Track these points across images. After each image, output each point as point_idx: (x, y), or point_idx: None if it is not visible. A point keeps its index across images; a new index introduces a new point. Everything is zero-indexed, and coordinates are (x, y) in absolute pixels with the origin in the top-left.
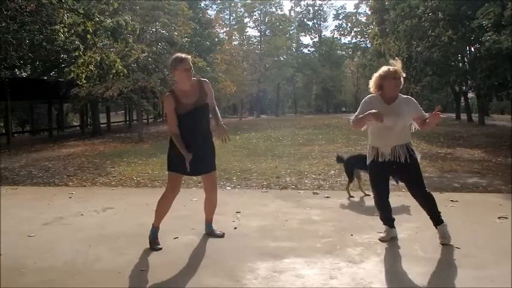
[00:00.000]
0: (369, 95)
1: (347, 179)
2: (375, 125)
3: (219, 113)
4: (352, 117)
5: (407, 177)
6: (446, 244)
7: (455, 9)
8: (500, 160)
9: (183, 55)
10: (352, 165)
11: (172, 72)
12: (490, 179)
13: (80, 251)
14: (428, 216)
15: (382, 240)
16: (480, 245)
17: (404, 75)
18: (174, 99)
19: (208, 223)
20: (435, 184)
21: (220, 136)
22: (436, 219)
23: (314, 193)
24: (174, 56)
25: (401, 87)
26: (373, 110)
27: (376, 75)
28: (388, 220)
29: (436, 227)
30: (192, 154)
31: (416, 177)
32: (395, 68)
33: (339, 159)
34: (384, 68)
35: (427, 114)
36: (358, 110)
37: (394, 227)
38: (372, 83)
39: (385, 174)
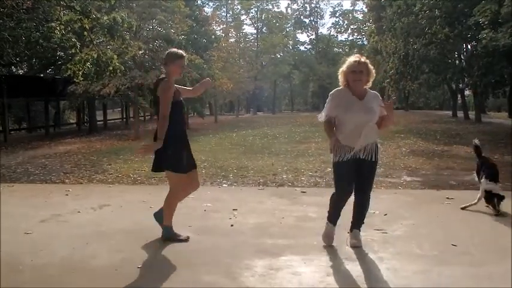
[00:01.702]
0: (336, 88)
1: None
2: (346, 121)
3: None
4: (321, 115)
5: (365, 175)
6: (357, 247)
7: (452, 6)
8: (497, 158)
9: (183, 52)
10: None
11: (168, 64)
12: None
13: (76, 248)
14: (352, 218)
15: (326, 240)
16: (477, 243)
17: (371, 68)
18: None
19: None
20: (431, 182)
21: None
22: (359, 223)
23: (302, 192)
24: (173, 50)
25: (365, 80)
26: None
27: (340, 70)
28: (335, 219)
29: (352, 230)
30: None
31: (372, 177)
32: (356, 59)
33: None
34: (346, 62)
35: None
36: (327, 106)
37: (335, 225)
38: (339, 78)
39: (353, 173)
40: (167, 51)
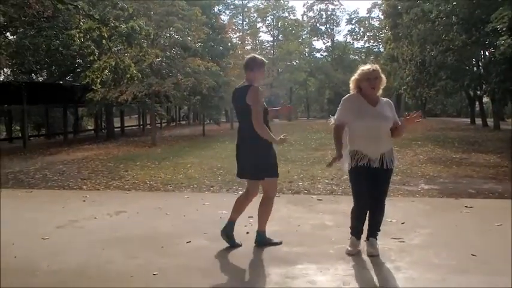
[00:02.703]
0: (348, 94)
1: None
2: (359, 127)
3: None
4: (333, 119)
5: (380, 183)
6: (374, 256)
7: (469, 13)
8: None
9: (263, 59)
10: None
11: (254, 71)
12: (505, 184)
13: (92, 254)
14: (368, 226)
15: (349, 254)
16: (496, 252)
17: (383, 76)
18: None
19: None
20: (449, 190)
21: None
22: (375, 232)
23: (318, 200)
24: (258, 57)
25: (380, 86)
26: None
27: (352, 78)
28: (358, 231)
29: (368, 239)
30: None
31: (387, 186)
32: (370, 67)
33: None
34: (359, 70)
35: (399, 121)
36: (339, 110)
37: (360, 239)
38: (351, 86)
39: (368, 179)
40: (252, 57)
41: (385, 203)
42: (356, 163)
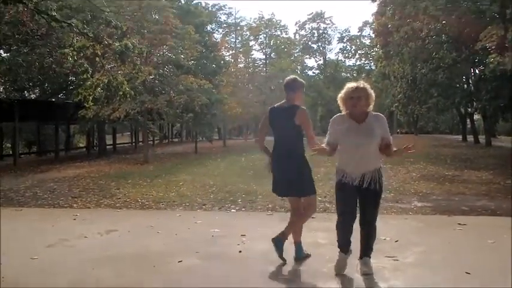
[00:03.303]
0: (337, 114)
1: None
2: (345, 145)
3: None
4: (325, 143)
5: (367, 205)
6: (368, 274)
7: (459, 31)
8: (508, 182)
9: (303, 81)
10: None
11: (296, 92)
12: (498, 201)
13: (83, 273)
14: (360, 246)
15: (337, 273)
16: (490, 270)
17: (371, 92)
18: None
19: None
20: (442, 207)
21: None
22: (367, 251)
23: (311, 217)
24: (298, 80)
25: (366, 103)
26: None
27: (338, 96)
28: (344, 243)
29: (362, 258)
30: None
31: (375, 207)
32: (353, 85)
33: None
34: (344, 88)
35: (391, 138)
36: (328, 133)
37: (349, 253)
38: (340, 104)
39: (351, 197)
40: (293, 78)
41: (376, 224)
42: (339, 179)
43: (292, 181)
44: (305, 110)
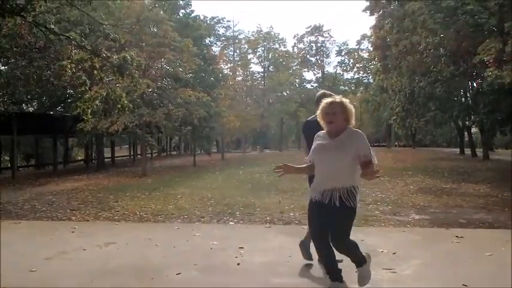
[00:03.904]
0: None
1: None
2: (315, 161)
3: None
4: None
5: (334, 222)
6: (365, 283)
7: (457, 45)
8: (506, 195)
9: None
10: None
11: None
12: (496, 214)
13: (81, 286)
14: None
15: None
16: (487, 282)
17: (349, 106)
18: None
19: None
20: (440, 220)
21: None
22: (356, 263)
23: None
24: (326, 93)
25: (342, 118)
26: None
27: (318, 112)
28: (323, 260)
29: (357, 269)
30: None
31: (341, 224)
32: (329, 101)
33: None
34: (321, 104)
35: (373, 156)
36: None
37: (339, 281)
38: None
39: (321, 215)
40: (322, 93)
41: (346, 243)
42: (310, 198)
43: None
44: None
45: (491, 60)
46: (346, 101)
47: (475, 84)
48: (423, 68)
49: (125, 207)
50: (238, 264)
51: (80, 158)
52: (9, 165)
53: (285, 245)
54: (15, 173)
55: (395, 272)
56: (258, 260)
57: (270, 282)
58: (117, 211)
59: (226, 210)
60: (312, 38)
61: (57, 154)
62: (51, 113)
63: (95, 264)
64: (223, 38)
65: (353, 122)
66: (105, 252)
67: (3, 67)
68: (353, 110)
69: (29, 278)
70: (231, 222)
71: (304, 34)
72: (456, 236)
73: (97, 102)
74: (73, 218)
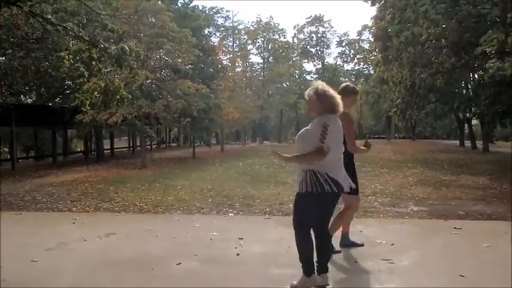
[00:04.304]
0: None
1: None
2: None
3: None
4: None
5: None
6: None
7: (458, 36)
8: (505, 187)
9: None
10: None
11: (343, 97)
12: (495, 206)
13: (82, 276)
14: None
15: None
16: (484, 273)
17: (329, 94)
18: None
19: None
20: (439, 211)
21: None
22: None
23: None
24: (351, 85)
25: (314, 106)
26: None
27: None
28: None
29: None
30: None
31: (294, 205)
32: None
33: None
34: None
35: (321, 143)
36: None
37: (313, 275)
38: None
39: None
40: (345, 85)
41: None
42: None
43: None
44: (349, 115)
45: (493, 52)
46: (318, 87)
47: (476, 76)
48: (424, 59)
49: (125, 198)
50: (238, 254)
51: (79, 149)
52: (8, 156)
53: (284, 236)
54: (15, 165)
55: (393, 263)
56: (257, 250)
57: (269, 272)
58: (117, 202)
59: (225, 201)
60: (313, 29)
61: (57, 146)
62: (50, 104)
63: (95, 254)
64: (222, 29)
65: (340, 110)
66: (106, 243)
67: (0, 58)
68: (326, 97)
69: (30, 269)
70: (230, 214)
71: (304, 24)
72: (454, 228)
73: (95, 93)
74: (73, 209)
